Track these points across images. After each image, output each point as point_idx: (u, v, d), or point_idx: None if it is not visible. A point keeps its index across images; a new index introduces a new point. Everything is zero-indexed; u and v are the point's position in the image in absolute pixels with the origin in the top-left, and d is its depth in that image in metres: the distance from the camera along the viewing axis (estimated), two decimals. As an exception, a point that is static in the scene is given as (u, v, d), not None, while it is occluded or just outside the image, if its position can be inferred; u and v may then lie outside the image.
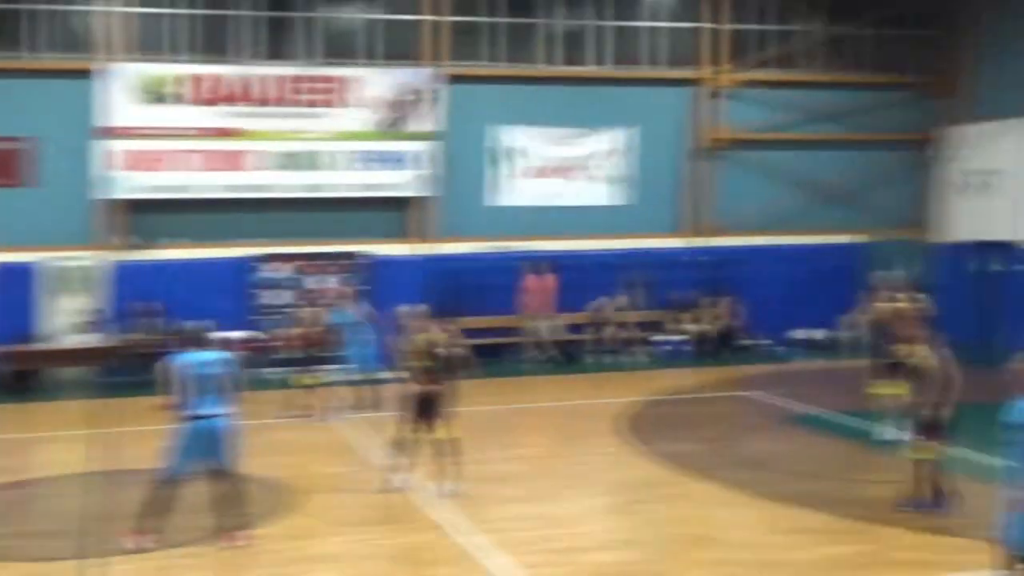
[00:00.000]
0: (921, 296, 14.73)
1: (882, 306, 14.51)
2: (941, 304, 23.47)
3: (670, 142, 23.04)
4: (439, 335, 11.92)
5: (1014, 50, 22.68)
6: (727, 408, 17.13)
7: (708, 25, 22.93)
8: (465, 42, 21.98)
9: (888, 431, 13.48)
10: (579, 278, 21.44)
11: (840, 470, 12.67)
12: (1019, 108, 22.34)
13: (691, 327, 22.03)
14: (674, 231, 23.13)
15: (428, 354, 11.55)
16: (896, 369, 12.59)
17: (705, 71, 22.88)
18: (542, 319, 21.20)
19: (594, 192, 22.83)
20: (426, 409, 11.37)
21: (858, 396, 16.51)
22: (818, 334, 22.79)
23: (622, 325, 21.55)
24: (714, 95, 22.94)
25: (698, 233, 23.05)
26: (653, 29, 22.91)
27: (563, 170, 22.66)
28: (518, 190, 22.51)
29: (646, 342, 21.88)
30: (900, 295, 14.60)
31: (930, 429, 10.34)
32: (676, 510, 11.05)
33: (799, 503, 10.93)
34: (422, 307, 12.66)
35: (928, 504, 10.42)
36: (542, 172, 22.57)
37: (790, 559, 9.16)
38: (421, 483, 11.47)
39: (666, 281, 22.33)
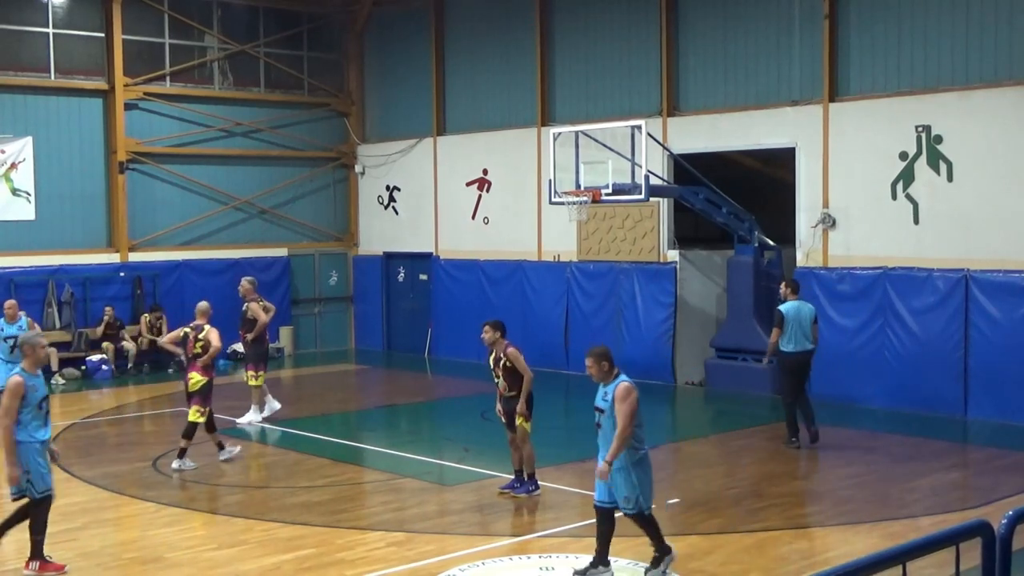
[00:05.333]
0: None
1: (256, 307, 16.12)
2: (367, 311, 25.38)
3: (82, 154, 22.14)
4: None
5: (391, 76, 24.95)
6: (159, 426, 17.03)
7: (100, 34, 22.22)
8: None
9: (252, 416, 16.06)
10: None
11: (276, 478, 13.17)
12: (404, 130, 24.63)
13: (118, 344, 21.54)
14: (94, 246, 22.33)
15: None
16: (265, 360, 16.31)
17: (113, 81, 22.18)
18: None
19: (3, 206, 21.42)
20: None
21: (285, 406, 17.21)
22: (242, 347, 23.31)
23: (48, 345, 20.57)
24: (126, 107, 22.42)
25: (118, 248, 22.53)
26: (53, 35, 21.81)
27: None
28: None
29: (75, 362, 21.07)
30: (263, 300, 16.60)
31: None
32: (120, 534, 10.84)
33: (239, 514, 11.25)
34: None
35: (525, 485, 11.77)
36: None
37: (237, 571, 9.38)
38: None
39: (91, 298, 21.71)
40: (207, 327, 13.41)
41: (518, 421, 11.62)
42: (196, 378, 13.24)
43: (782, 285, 14.48)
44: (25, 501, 9.25)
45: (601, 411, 8.76)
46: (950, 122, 16.27)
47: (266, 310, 16.40)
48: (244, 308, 16.18)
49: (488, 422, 16.29)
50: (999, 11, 15.87)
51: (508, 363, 11.53)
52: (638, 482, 8.65)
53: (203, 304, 13.84)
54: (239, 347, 23.23)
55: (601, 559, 8.87)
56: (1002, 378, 15.65)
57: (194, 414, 13.20)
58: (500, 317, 22.00)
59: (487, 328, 11.71)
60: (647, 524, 8.84)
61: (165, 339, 14.01)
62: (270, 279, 23.83)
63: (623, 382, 8.71)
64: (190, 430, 13.23)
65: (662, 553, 8.86)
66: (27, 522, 9.30)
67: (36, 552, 9.31)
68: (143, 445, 15.21)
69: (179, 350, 13.79)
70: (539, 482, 11.83)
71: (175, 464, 13.14)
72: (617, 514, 8.88)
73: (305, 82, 25.19)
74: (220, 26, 24.00)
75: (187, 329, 13.54)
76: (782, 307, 14.02)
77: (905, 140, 16.72)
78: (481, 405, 16.86)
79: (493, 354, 11.67)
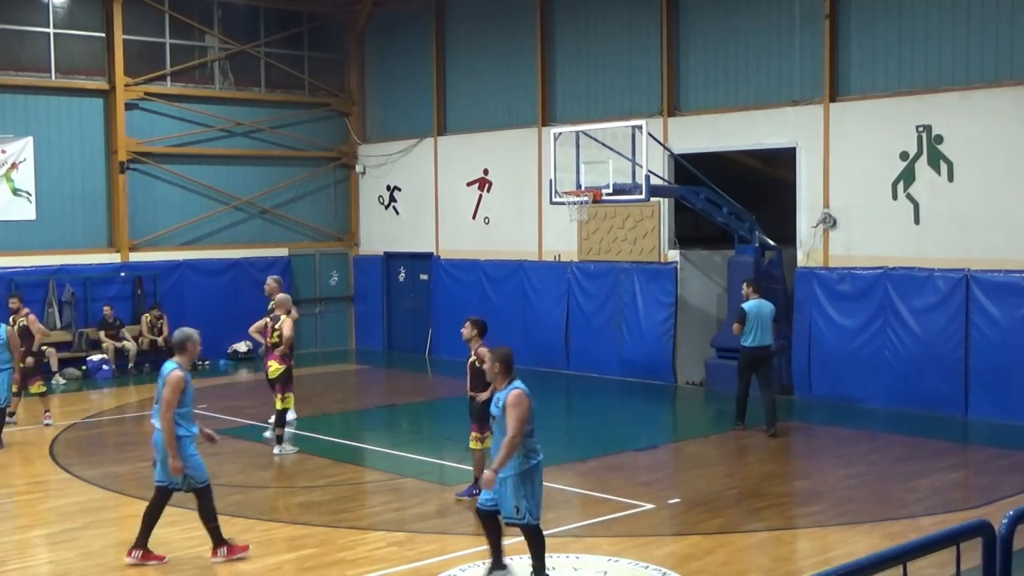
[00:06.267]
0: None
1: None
2: (367, 311, 25.39)
3: (83, 154, 22.14)
4: None
5: (392, 76, 24.95)
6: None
7: (100, 34, 22.21)
8: None
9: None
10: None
11: (276, 478, 13.20)
12: (405, 130, 24.64)
13: (118, 344, 21.55)
14: (94, 246, 22.33)
15: None
16: None
17: (114, 81, 22.19)
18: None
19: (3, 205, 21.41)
20: None
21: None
22: (243, 347, 23.34)
23: (48, 344, 20.56)
24: (127, 107, 22.41)
25: (119, 248, 22.53)
26: (54, 35, 21.80)
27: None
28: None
29: (75, 362, 21.06)
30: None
31: (482, 420, 11.29)
32: (121, 534, 10.78)
33: (240, 514, 11.24)
34: None
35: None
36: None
37: (238, 571, 9.36)
38: None
39: (91, 298, 21.72)
40: (283, 317, 14.12)
41: (470, 443, 11.60)
42: (275, 366, 14.03)
43: (744, 284, 15.51)
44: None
45: (494, 418, 8.53)
46: (951, 122, 16.27)
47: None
48: (271, 307, 15.95)
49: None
50: (999, 11, 15.87)
51: (477, 363, 11.57)
52: (525, 493, 8.37)
53: (281, 295, 14.67)
54: (240, 347, 23.32)
55: (496, 563, 8.65)
56: (1003, 378, 15.65)
57: (279, 402, 14.05)
58: (501, 317, 22.26)
59: (467, 324, 11.75)
60: (533, 537, 8.54)
61: (252, 328, 14.74)
62: (254, 281, 23.73)
63: (515, 389, 8.45)
64: (281, 418, 14.12)
65: (538, 574, 8.58)
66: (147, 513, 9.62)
67: (218, 539, 9.56)
68: (144, 445, 15.07)
69: (263, 339, 14.41)
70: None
71: (276, 450, 14.00)
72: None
73: (306, 82, 25.20)
74: (221, 26, 24.00)
75: (267, 319, 14.32)
76: (744, 305, 15.12)
77: (906, 140, 16.72)
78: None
79: None
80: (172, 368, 9.38)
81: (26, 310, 16.22)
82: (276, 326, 14.10)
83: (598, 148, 17.42)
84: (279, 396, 14.08)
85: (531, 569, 8.57)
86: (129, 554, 9.50)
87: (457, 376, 21.02)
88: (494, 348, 8.83)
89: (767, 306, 15.24)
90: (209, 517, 9.54)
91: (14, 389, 15.66)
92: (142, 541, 9.55)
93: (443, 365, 22.99)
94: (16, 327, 15.52)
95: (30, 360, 15.68)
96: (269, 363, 14.15)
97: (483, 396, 11.42)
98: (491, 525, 8.65)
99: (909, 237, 16.76)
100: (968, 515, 10.32)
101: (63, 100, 21.95)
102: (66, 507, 11.67)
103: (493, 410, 8.56)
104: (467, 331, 11.65)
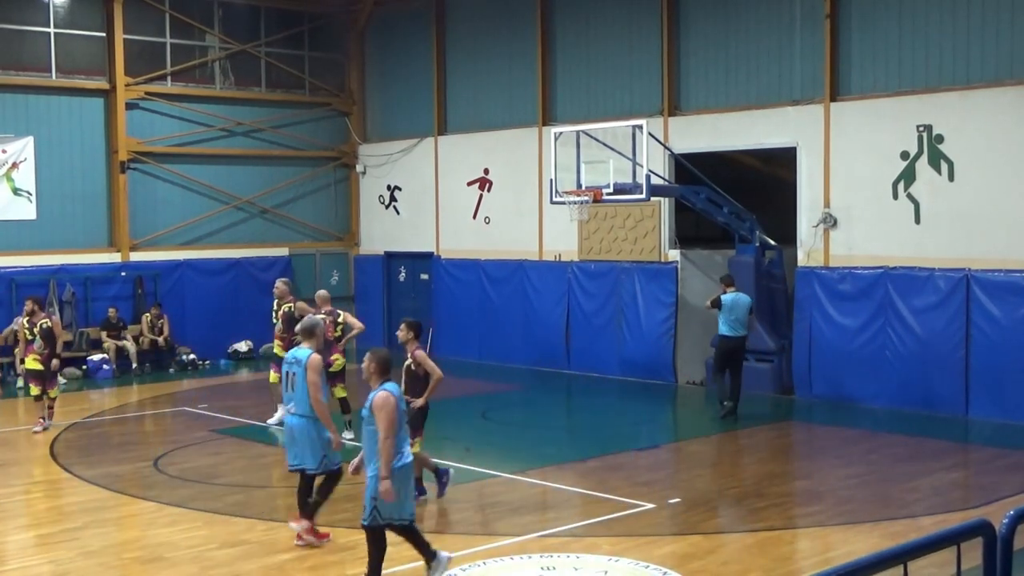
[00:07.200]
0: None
1: (303, 305, 15.92)
2: (368, 310, 25.36)
3: (83, 154, 22.11)
4: None
5: (392, 75, 24.95)
6: (160, 425, 17.02)
7: (101, 34, 22.19)
8: None
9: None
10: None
11: (277, 478, 13.18)
12: (405, 129, 24.63)
13: (119, 344, 21.55)
14: (95, 246, 22.32)
15: None
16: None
17: (115, 81, 22.17)
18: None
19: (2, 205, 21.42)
20: None
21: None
22: (244, 346, 23.34)
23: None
24: (127, 107, 22.39)
25: (119, 247, 22.52)
26: (54, 35, 21.77)
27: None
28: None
29: (76, 362, 21.06)
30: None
31: (415, 427, 11.20)
32: (121, 533, 10.82)
33: (239, 514, 11.25)
34: None
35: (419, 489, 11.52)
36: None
37: (238, 571, 9.40)
38: None
39: (92, 298, 21.72)
40: (342, 312, 14.95)
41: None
42: (340, 360, 14.67)
43: (720, 281, 16.75)
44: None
45: (363, 418, 8.45)
46: (951, 122, 16.26)
47: (303, 311, 16.16)
48: (288, 310, 15.66)
49: (489, 422, 16.33)
50: (999, 11, 15.86)
51: (413, 366, 11.58)
52: (387, 492, 8.24)
53: (322, 292, 15.42)
54: (240, 347, 23.33)
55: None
56: (1003, 377, 15.65)
57: (341, 391, 14.61)
58: (501, 317, 22.28)
59: (402, 327, 11.73)
60: (404, 534, 8.54)
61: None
62: (271, 279, 23.73)
63: (382, 391, 8.31)
64: (346, 406, 14.69)
65: (428, 556, 8.64)
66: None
67: (310, 513, 9.94)
68: (144, 445, 15.23)
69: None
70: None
71: (348, 435, 14.24)
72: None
73: (306, 82, 25.20)
74: (221, 26, 24.00)
75: (321, 315, 14.30)
76: (723, 296, 16.19)
77: (906, 140, 16.71)
78: (482, 405, 16.89)
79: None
80: (309, 353, 9.87)
81: (43, 313, 16.23)
82: (338, 320, 14.67)
83: (598, 148, 17.41)
84: (341, 385, 14.61)
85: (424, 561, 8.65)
86: (297, 522, 9.89)
87: (458, 376, 21.08)
88: (374, 349, 8.74)
89: (744, 299, 16.21)
90: (323, 494, 9.97)
91: (35, 392, 15.69)
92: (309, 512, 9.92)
93: (443, 365, 22.71)
94: (39, 329, 15.61)
95: (55, 363, 15.75)
96: (333, 357, 14.49)
97: (419, 402, 11.42)
98: (380, 541, 8.43)
99: (910, 237, 16.76)
100: (968, 515, 10.32)
101: (63, 100, 21.95)
102: (66, 507, 11.67)
103: (364, 411, 8.45)
104: (403, 334, 11.61)
